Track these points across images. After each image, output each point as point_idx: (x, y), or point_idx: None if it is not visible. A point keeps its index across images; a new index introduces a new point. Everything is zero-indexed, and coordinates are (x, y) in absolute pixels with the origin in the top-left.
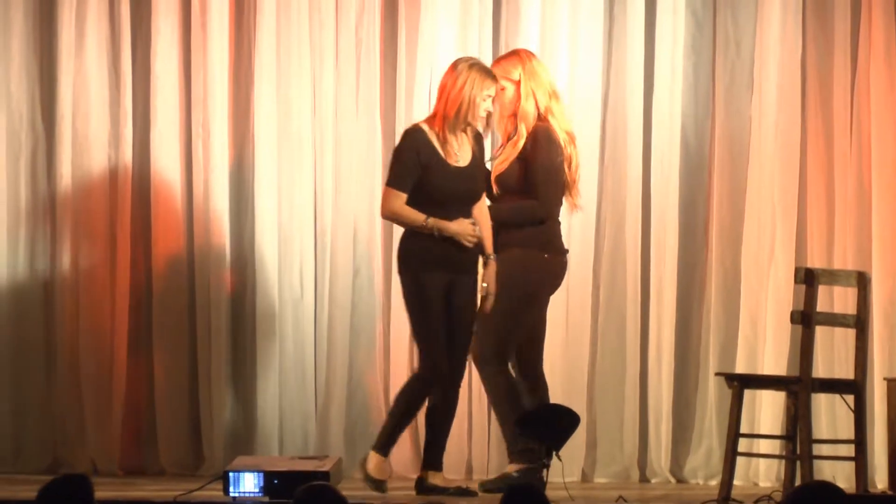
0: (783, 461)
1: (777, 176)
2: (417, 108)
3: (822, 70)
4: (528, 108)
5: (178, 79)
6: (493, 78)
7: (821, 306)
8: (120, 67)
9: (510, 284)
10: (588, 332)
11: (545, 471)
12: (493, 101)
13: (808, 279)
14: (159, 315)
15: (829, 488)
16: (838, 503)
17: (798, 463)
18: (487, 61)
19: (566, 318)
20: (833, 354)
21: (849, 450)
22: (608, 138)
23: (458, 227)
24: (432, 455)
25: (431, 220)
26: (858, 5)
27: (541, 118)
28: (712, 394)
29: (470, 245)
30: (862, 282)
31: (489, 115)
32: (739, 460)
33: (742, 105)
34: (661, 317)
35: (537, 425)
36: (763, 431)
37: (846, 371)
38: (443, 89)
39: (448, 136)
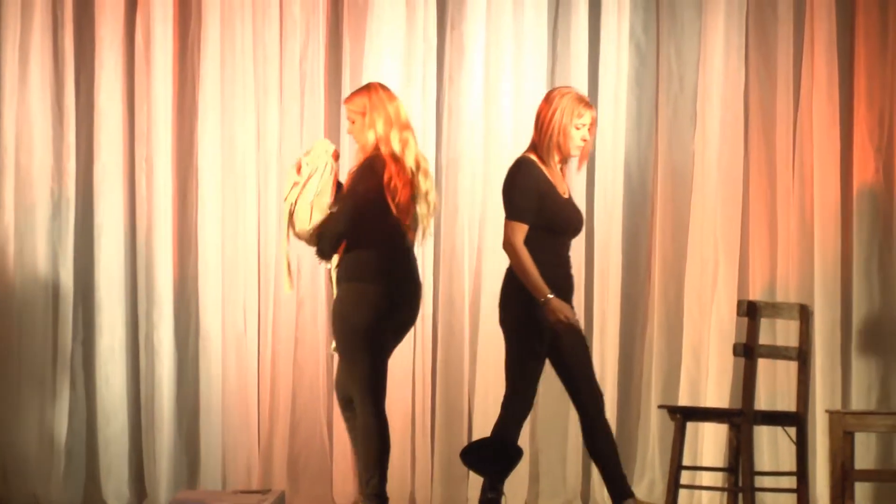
0: (725, 493)
1: (720, 209)
2: None
3: (765, 104)
4: (369, 138)
5: (121, 113)
6: (587, 105)
7: (763, 339)
8: (63, 101)
9: (342, 319)
10: None
11: None
12: (589, 131)
13: (750, 312)
14: (102, 346)
15: None
16: None
17: (740, 495)
18: (430, 96)
19: None
20: (775, 387)
21: (791, 482)
22: None
23: (561, 307)
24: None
25: (555, 302)
26: (801, 41)
27: (377, 148)
28: (655, 426)
29: (555, 322)
30: (804, 315)
31: (586, 143)
32: (682, 492)
33: (685, 139)
34: (604, 350)
35: (480, 458)
36: (705, 464)
37: (788, 403)
38: (537, 119)
39: (552, 166)
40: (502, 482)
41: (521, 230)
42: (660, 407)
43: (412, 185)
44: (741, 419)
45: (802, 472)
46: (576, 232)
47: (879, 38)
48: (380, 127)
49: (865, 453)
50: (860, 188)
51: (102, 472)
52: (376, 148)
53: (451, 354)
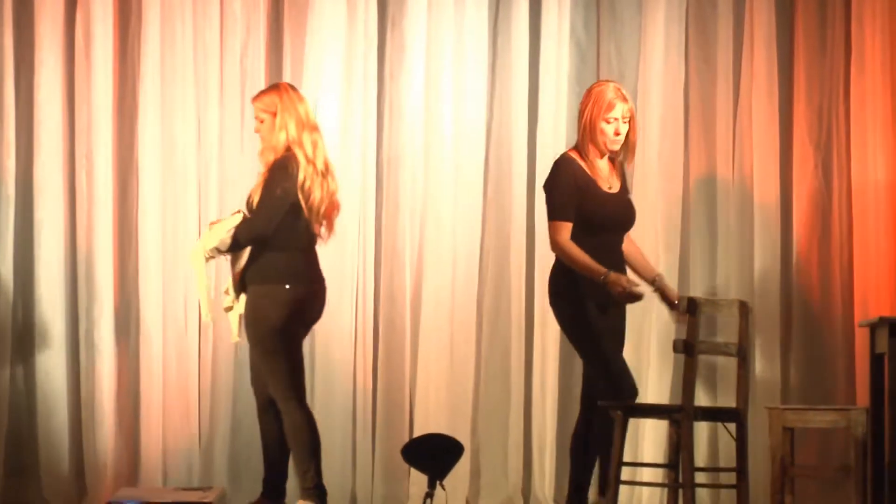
0: (666, 489)
1: (660, 205)
2: None
3: (705, 101)
4: (280, 139)
5: (61, 110)
6: (621, 98)
7: (703, 335)
8: (3, 99)
9: (258, 322)
10: (472, 361)
11: (429, 500)
12: (628, 124)
13: (690, 308)
14: (42, 346)
15: None
16: None
17: (680, 491)
18: (371, 93)
19: (450, 347)
20: (716, 383)
21: (731, 478)
22: (491, 169)
23: (619, 279)
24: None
25: (613, 276)
26: (740, 37)
27: (289, 149)
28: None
29: (619, 295)
30: (744, 311)
31: (628, 137)
32: (623, 489)
33: None
34: (545, 345)
35: (421, 455)
36: (646, 460)
37: (728, 400)
38: (578, 114)
39: (592, 161)
40: (443, 478)
41: (565, 228)
42: (599, 404)
43: (322, 186)
44: (681, 415)
45: (742, 468)
46: (622, 226)
47: (818, 35)
48: (292, 128)
49: (805, 449)
50: (799, 185)
51: (42, 469)
52: (288, 149)
53: (393, 350)
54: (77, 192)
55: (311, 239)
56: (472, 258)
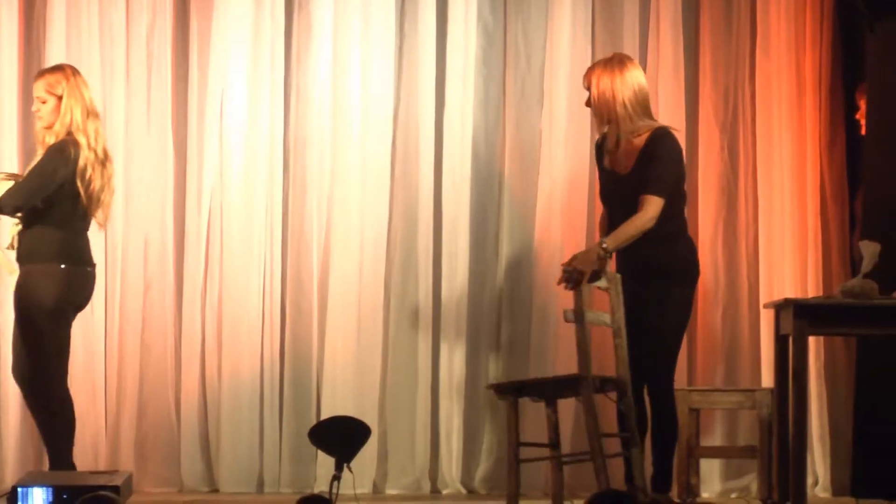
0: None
1: (567, 187)
2: (209, 122)
3: None
4: (64, 122)
5: None
6: (586, 74)
7: None
8: None
9: (29, 301)
10: (379, 343)
11: (336, 483)
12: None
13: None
14: None
15: (621, 496)
16: None
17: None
18: (278, 76)
19: (358, 329)
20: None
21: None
22: (399, 152)
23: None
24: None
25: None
26: (647, 20)
27: (70, 133)
28: (502, 404)
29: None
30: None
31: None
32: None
33: (532, 118)
34: (452, 329)
35: (328, 437)
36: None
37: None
38: None
39: (618, 142)
40: (350, 461)
41: (602, 211)
42: (487, 387)
43: (102, 175)
44: (581, 386)
45: (629, 436)
46: (616, 205)
47: (724, 17)
48: (77, 115)
49: (710, 430)
50: (705, 166)
51: None
52: (69, 133)
53: (300, 333)
54: None
55: (85, 223)
56: (379, 241)
